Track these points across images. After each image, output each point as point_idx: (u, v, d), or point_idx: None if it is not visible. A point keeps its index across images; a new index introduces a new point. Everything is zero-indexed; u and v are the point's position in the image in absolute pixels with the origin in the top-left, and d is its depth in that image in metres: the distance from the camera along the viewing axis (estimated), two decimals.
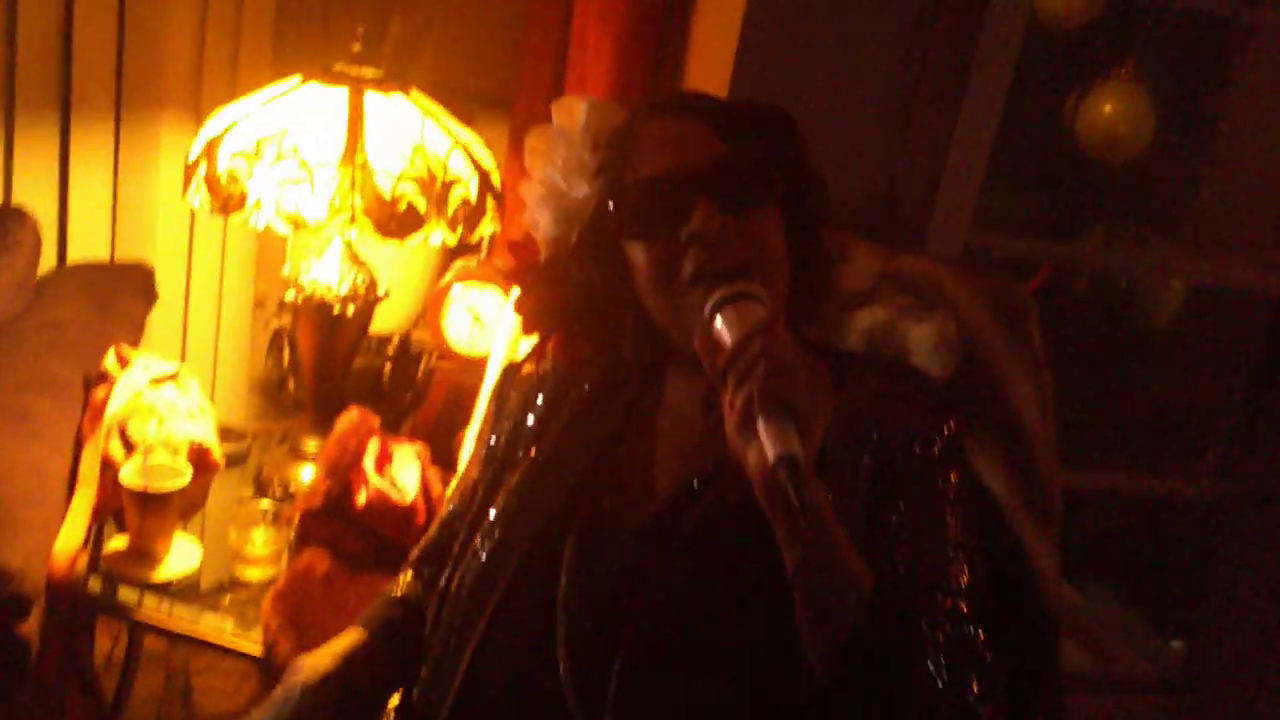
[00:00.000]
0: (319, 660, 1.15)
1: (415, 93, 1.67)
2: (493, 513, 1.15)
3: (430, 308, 1.86)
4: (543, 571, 1.07)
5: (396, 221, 1.54)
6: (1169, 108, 2.65)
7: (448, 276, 1.86)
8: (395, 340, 2.18)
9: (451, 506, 1.29)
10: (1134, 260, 2.43)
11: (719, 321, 0.93)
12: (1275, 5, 2.56)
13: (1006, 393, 1.37)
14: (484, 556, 1.12)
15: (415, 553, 1.30)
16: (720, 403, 0.89)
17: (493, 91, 2.14)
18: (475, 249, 1.82)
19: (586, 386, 1.18)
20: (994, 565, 1.22)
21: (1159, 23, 2.60)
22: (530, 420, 1.20)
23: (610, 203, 1.07)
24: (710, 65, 1.65)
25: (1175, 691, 2.23)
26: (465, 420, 1.93)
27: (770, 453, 0.83)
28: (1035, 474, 1.37)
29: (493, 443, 1.23)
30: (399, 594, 1.26)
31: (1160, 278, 2.51)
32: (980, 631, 0.99)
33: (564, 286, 1.15)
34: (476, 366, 1.84)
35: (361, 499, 1.61)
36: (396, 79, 1.66)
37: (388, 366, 2.18)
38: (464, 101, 1.90)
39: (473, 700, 1.07)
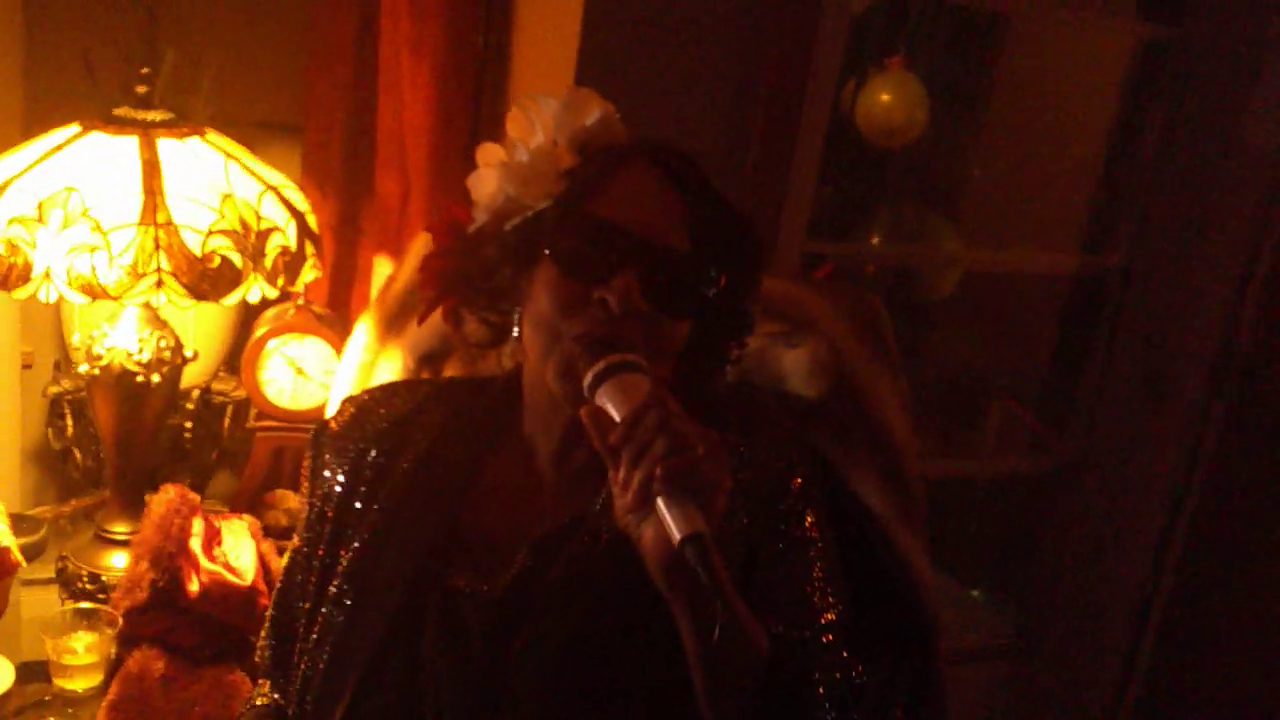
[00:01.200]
0: None
1: (211, 134, 1.52)
2: (334, 588, 1.07)
3: (245, 363, 1.71)
4: (403, 654, 1.01)
5: (210, 281, 1.39)
6: (942, 96, 2.79)
7: (261, 329, 1.71)
8: (195, 395, 1.99)
9: (280, 589, 1.20)
10: (914, 250, 2.53)
11: (603, 395, 0.88)
12: None
13: (874, 406, 1.39)
14: (331, 642, 1.05)
15: (264, 655, 1.20)
16: (611, 480, 0.86)
17: (281, 117, 1.99)
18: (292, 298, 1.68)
19: (421, 442, 1.11)
20: (877, 578, 1.26)
21: (928, 14, 2.72)
22: (357, 487, 1.11)
23: (556, 218, 1.01)
24: (545, 83, 1.59)
25: (1010, 658, 2.34)
26: (295, 482, 1.80)
27: (675, 534, 0.80)
28: (906, 482, 1.40)
29: (316, 511, 1.14)
30: (262, 703, 1.17)
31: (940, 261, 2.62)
32: (854, 660, 1.02)
33: (475, 260, 1.08)
34: (304, 422, 1.72)
35: (194, 587, 1.47)
36: (188, 120, 1.50)
37: (189, 425, 2.00)
38: (250, 129, 1.76)
39: None
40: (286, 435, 1.73)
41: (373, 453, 1.12)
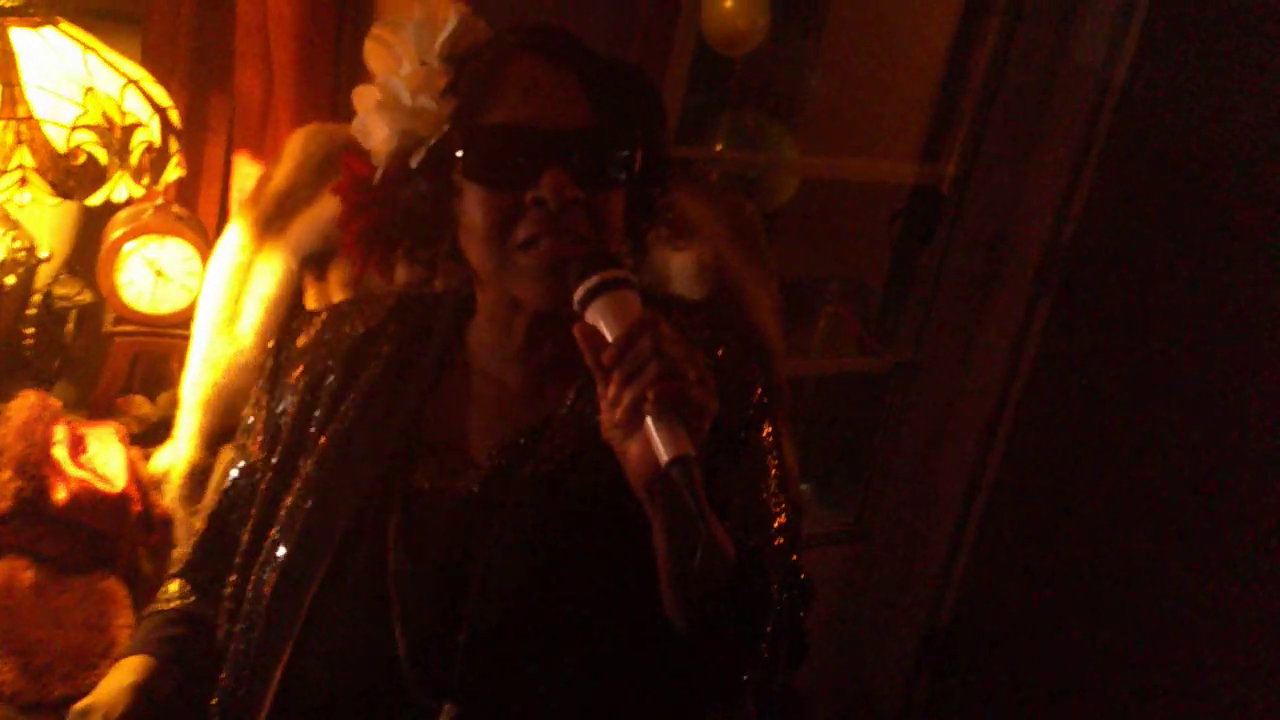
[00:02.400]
0: (110, 700, 1.03)
1: (65, 24, 1.43)
2: (289, 501, 1.07)
3: (101, 266, 1.63)
4: (366, 555, 1.02)
5: (75, 178, 1.33)
6: (782, 3, 2.84)
7: (117, 230, 1.63)
8: (36, 300, 1.89)
9: (222, 499, 1.19)
10: (758, 158, 2.60)
11: (594, 311, 0.90)
12: None
13: (748, 306, 1.45)
14: (284, 551, 1.05)
15: (185, 555, 1.19)
16: (600, 395, 0.88)
17: (118, 6, 1.87)
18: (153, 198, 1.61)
19: (386, 351, 1.12)
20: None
21: None
22: (320, 397, 1.12)
23: (459, 140, 0.99)
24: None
25: (848, 542, 2.50)
26: (155, 389, 1.75)
27: (663, 455, 0.83)
28: (776, 378, 1.47)
29: (274, 420, 1.14)
30: (171, 606, 1.16)
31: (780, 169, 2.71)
32: (800, 562, 1.11)
33: (390, 207, 1.06)
34: (164, 327, 1.67)
35: (61, 494, 1.42)
36: (41, 7, 1.41)
37: (29, 331, 1.90)
38: (86, 18, 1.66)
39: (295, 696, 1.01)
40: (146, 340, 1.67)
41: (336, 367, 1.12)
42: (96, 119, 1.34)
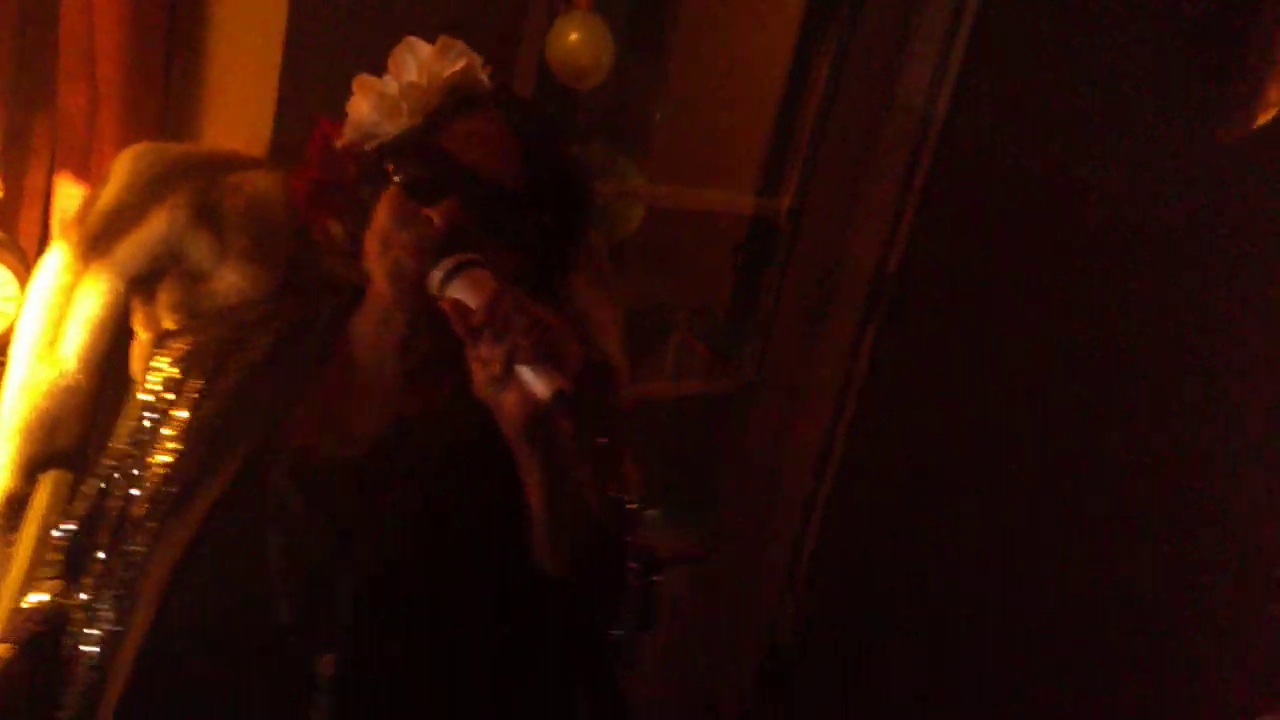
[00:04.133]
0: None
1: None
2: (160, 465, 1.10)
3: None
4: (243, 511, 1.06)
5: None
6: (626, 38, 2.89)
7: None
8: None
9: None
10: (602, 187, 2.61)
11: (455, 288, 0.98)
12: None
13: (596, 332, 1.48)
14: (152, 509, 1.08)
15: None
16: (467, 357, 0.95)
17: None
18: None
19: (265, 340, 1.17)
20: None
21: None
22: (191, 389, 1.15)
23: (408, 143, 1.12)
24: (250, 9, 1.53)
25: (691, 563, 2.53)
26: None
27: (543, 393, 0.90)
28: (619, 404, 1.50)
29: (150, 400, 1.16)
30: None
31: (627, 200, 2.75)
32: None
33: (338, 174, 1.18)
34: None
35: None
36: None
37: None
38: None
39: (161, 662, 1.02)
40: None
41: (214, 348, 1.18)
42: None
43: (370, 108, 1.17)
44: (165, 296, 1.36)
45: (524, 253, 1.11)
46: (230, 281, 1.33)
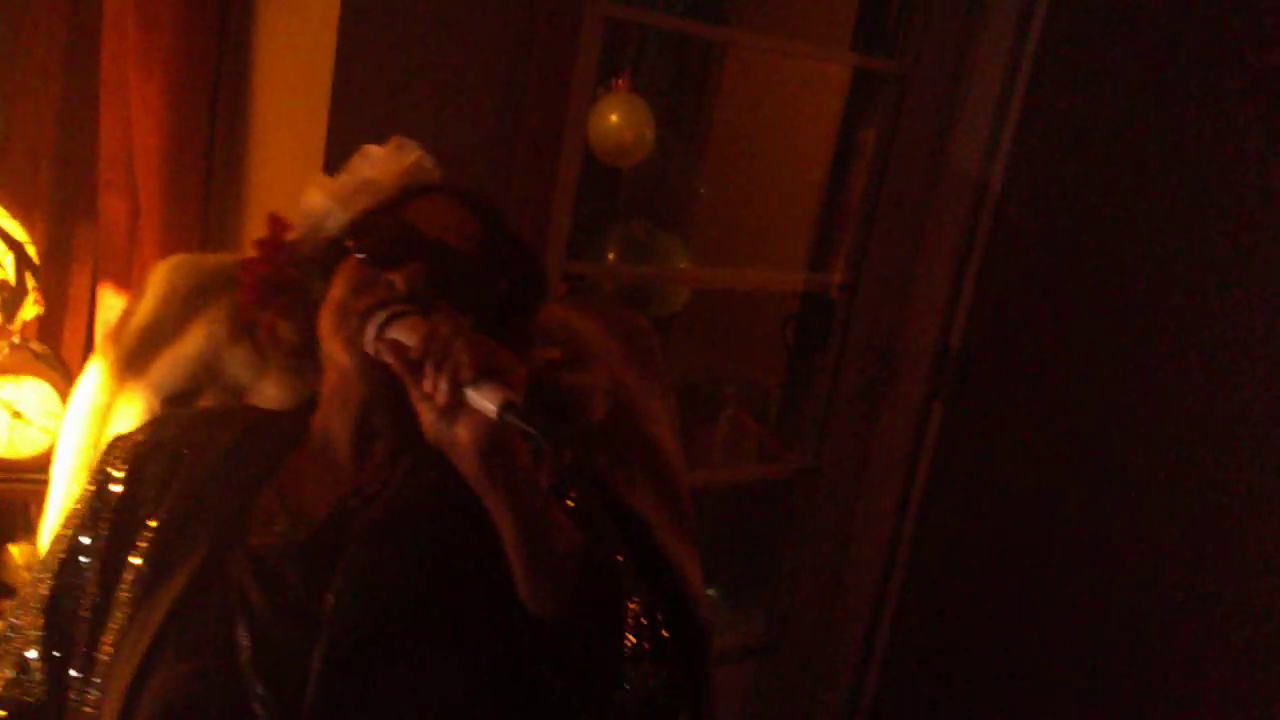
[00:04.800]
0: None
1: None
2: (126, 573, 1.07)
3: None
4: (208, 610, 1.03)
5: None
6: (667, 116, 2.88)
7: None
8: None
9: (59, 567, 1.12)
10: (651, 269, 2.64)
11: (393, 333, 0.97)
12: (744, 22, 2.87)
13: (646, 424, 1.42)
14: (124, 615, 1.05)
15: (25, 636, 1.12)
16: (413, 402, 0.92)
17: None
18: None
19: (231, 435, 1.15)
20: (657, 594, 1.29)
21: (649, 36, 2.81)
22: (153, 478, 1.13)
23: (361, 219, 1.12)
24: (291, 123, 1.51)
25: (758, 654, 2.44)
26: (16, 537, 1.63)
27: (491, 407, 0.87)
28: (678, 497, 1.44)
29: (98, 501, 1.12)
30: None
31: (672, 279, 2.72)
32: (656, 604, 1.08)
33: (293, 271, 1.18)
34: (23, 471, 1.56)
35: None
36: None
37: None
38: None
39: None
40: (4, 486, 1.56)
41: (168, 449, 1.14)
42: None
43: (324, 198, 1.19)
44: None
45: (479, 319, 1.09)
46: (269, 395, 1.29)
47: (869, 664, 2.43)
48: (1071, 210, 2.12)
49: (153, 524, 1.08)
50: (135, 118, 1.54)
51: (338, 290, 1.06)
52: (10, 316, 1.35)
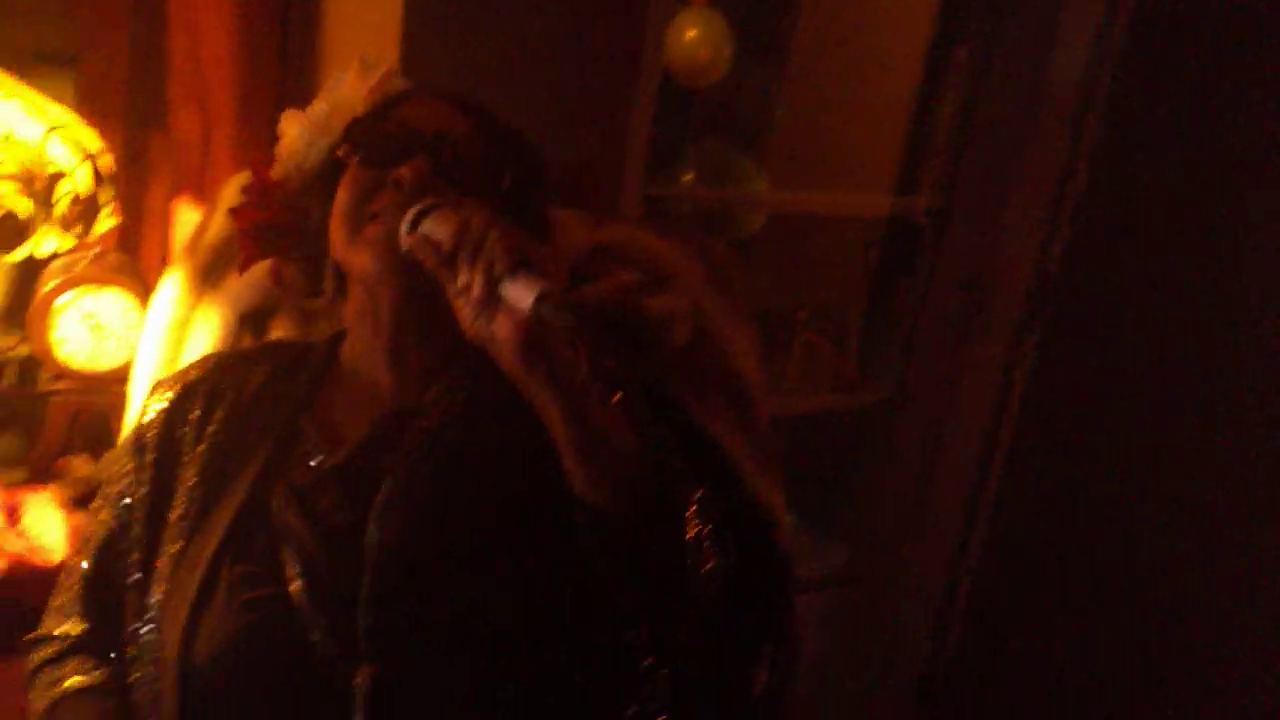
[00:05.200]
0: None
1: None
2: (173, 517, 1.07)
3: (33, 320, 1.53)
4: (255, 543, 1.02)
5: None
6: (746, 33, 2.79)
7: (50, 282, 1.53)
8: None
9: (99, 557, 1.12)
10: (729, 193, 2.54)
11: (424, 229, 0.92)
12: None
13: (729, 355, 1.39)
14: (174, 560, 1.05)
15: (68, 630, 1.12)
16: (450, 300, 0.90)
17: (49, 46, 1.78)
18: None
19: (257, 378, 1.13)
20: (734, 517, 1.26)
21: None
22: (192, 420, 1.11)
23: (350, 131, 1.08)
24: (364, 30, 1.47)
25: (837, 587, 2.42)
26: (98, 448, 1.65)
27: (527, 301, 0.85)
28: (759, 428, 1.41)
29: (137, 453, 1.12)
30: (79, 681, 1.10)
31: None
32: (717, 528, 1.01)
33: (286, 210, 1.17)
34: (104, 383, 1.56)
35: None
36: None
37: None
38: (17, 59, 1.57)
39: (199, 692, 1.00)
40: (85, 398, 1.57)
41: (202, 388, 1.12)
42: (16, 169, 1.25)
43: (301, 128, 1.18)
44: (278, 331, 1.31)
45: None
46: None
47: (953, 599, 2.40)
48: (1181, 137, 2.01)
49: (193, 470, 1.08)
50: (205, 31, 1.50)
51: (343, 198, 1.04)
52: (87, 228, 1.34)
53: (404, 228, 0.93)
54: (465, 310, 0.89)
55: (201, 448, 1.09)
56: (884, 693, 2.50)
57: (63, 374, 1.57)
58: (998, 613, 2.39)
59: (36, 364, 1.69)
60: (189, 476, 1.08)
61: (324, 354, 1.15)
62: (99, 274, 1.54)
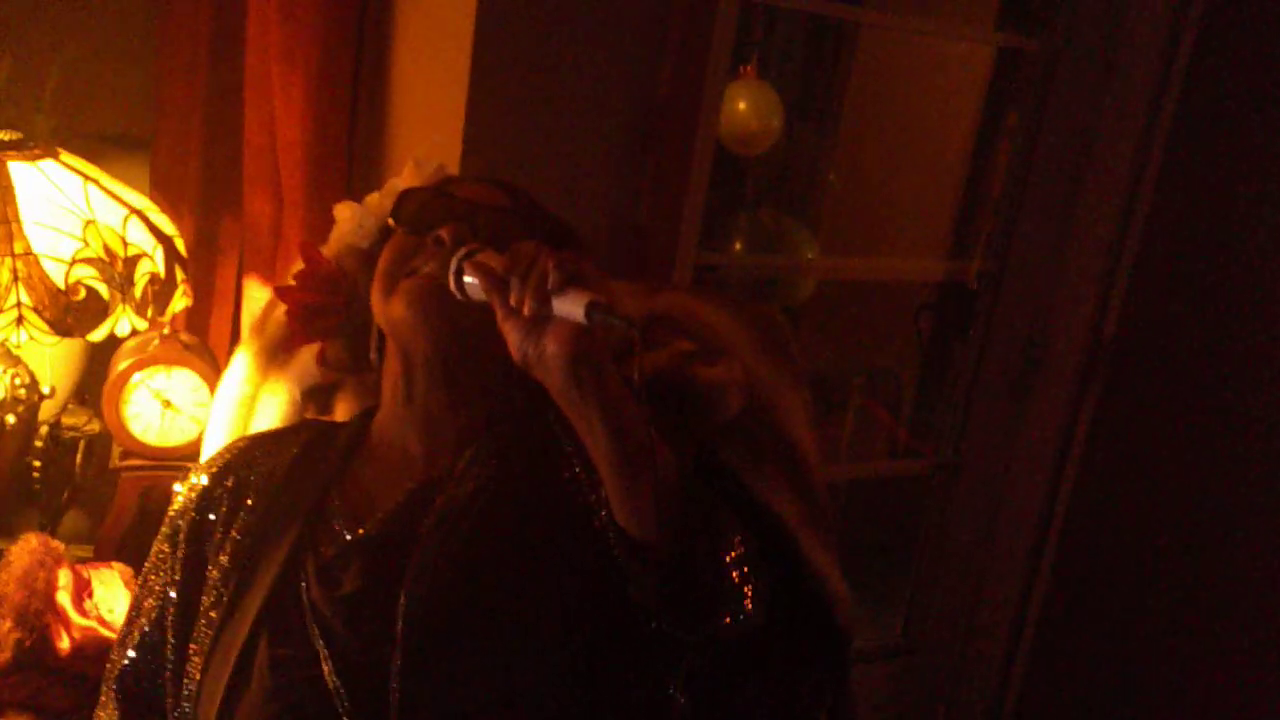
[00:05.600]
0: None
1: (65, 154, 1.40)
2: (206, 603, 1.08)
3: (107, 399, 1.58)
4: (287, 622, 1.02)
5: (75, 315, 1.28)
6: (797, 100, 2.82)
7: (124, 361, 1.58)
8: (44, 431, 1.84)
9: (146, 623, 1.13)
10: (780, 260, 2.57)
11: (471, 266, 0.94)
12: (879, 4, 2.79)
13: (783, 421, 1.38)
14: (211, 642, 1.05)
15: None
16: (500, 324, 0.90)
17: (125, 130, 1.85)
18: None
19: (294, 452, 1.15)
20: (791, 591, 1.25)
21: (777, 20, 2.75)
22: (223, 504, 1.13)
23: (396, 201, 1.12)
24: (429, 116, 1.52)
25: (894, 657, 2.38)
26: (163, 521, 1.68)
27: (579, 310, 0.85)
28: (814, 494, 1.39)
29: (170, 546, 1.13)
30: None
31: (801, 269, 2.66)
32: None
33: (332, 292, 1.21)
34: (174, 460, 1.61)
35: (65, 645, 1.36)
36: (43, 139, 1.38)
37: (37, 463, 1.84)
38: (93, 143, 1.64)
39: None
40: (155, 474, 1.61)
41: (232, 472, 1.14)
42: (97, 252, 1.30)
43: (352, 210, 1.23)
44: (342, 407, 1.33)
45: None
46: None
47: (1010, 671, 2.35)
48: (1233, 196, 2.00)
49: (225, 555, 1.09)
50: (278, 112, 1.56)
51: (383, 262, 1.08)
52: (161, 308, 1.39)
53: (452, 267, 0.96)
54: (515, 335, 0.90)
55: (234, 531, 1.10)
56: None
57: (133, 451, 1.61)
58: (1058, 679, 2.33)
59: (105, 441, 1.73)
60: (222, 561, 1.08)
61: (355, 428, 1.17)
62: (171, 354, 1.59)
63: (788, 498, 1.36)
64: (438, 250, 1.02)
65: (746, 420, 1.35)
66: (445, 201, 1.09)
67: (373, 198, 1.27)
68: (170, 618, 1.10)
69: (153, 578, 1.14)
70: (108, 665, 1.16)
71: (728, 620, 0.94)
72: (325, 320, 1.24)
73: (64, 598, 1.38)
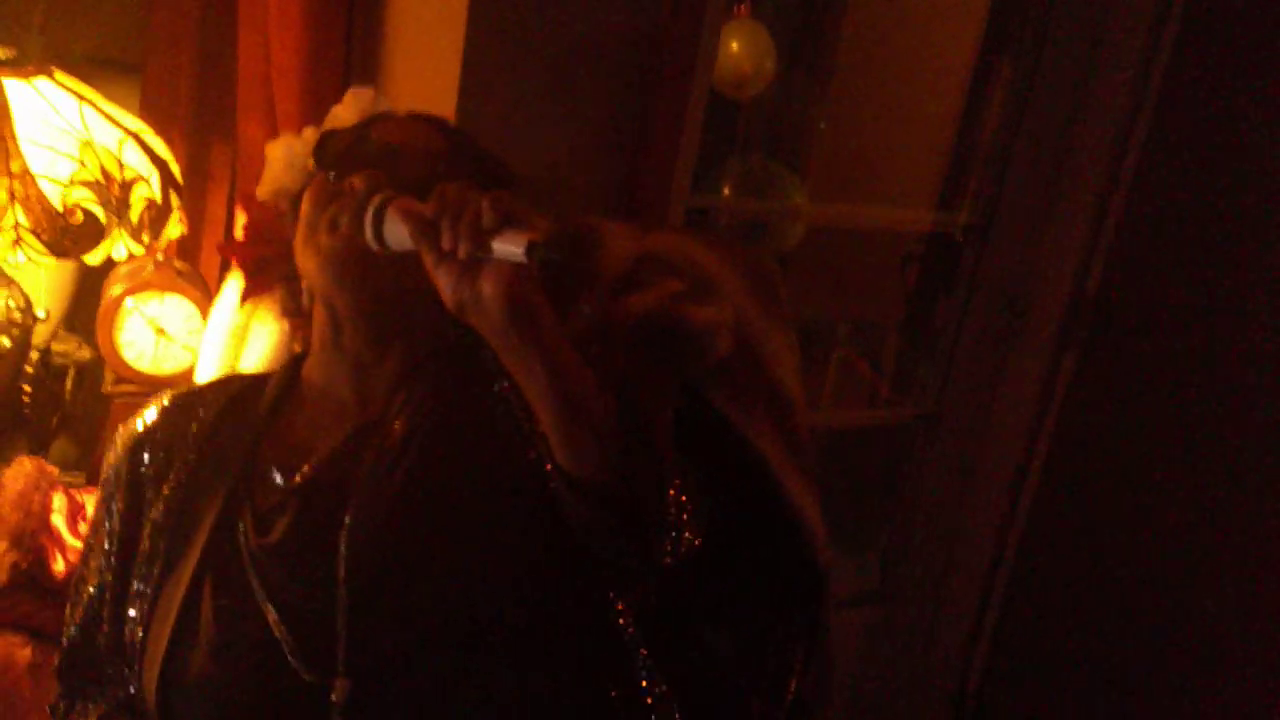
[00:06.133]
0: None
1: (60, 74, 1.39)
2: (143, 549, 1.07)
3: (100, 325, 1.58)
4: (228, 569, 1.02)
5: (71, 237, 1.28)
6: (789, 46, 2.81)
7: (117, 287, 1.58)
8: (34, 357, 1.85)
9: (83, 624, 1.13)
10: (769, 206, 2.56)
11: (391, 214, 0.90)
12: None
13: (770, 364, 1.40)
14: (147, 590, 1.05)
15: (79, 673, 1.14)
16: (430, 269, 0.87)
17: (116, 53, 1.84)
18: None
19: (219, 405, 1.12)
20: (766, 527, 1.27)
21: None
22: (153, 463, 1.11)
23: (317, 143, 1.08)
24: (426, 46, 1.51)
25: (871, 603, 2.43)
26: None
27: (518, 250, 0.82)
28: (798, 437, 1.42)
29: (115, 510, 1.11)
30: None
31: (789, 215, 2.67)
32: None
33: (279, 241, 1.20)
34: (167, 387, 1.61)
35: (60, 566, 1.38)
36: (35, 57, 1.37)
37: (27, 389, 1.85)
38: (83, 66, 1.62)
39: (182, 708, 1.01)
40: (147, 400, 1.62)
41: (159, 431, 1.12)
42: (94, 174, 1.30)
43: (282, 154, 1.21)
44: None
45: None
46: None
47: (984, 618, 2.40)
48: (1226, 150, 2.01)
49: (155, 514, 1.08)
50: (273, 38, 1.55)
51: (304, 209, 1.03)
52: (156, 234, 1.39)
53: (368, 218, 0.91)
54: (447, 279, 0.87)
55: (164, 488, 1.08)
56: (917, 708, 2.51)
57: (126, 377, 1.62)
58: (1032, 628, 2.38)
59: (96, 368, 1.74)
60: (154, 518, 1.07)
61: (284, 377, 1.14)
62: (165, 280, 1.59)
63: (771, 438, 1.38)
64: (351, 199, 0.97)
65: (734, 361, 1.36)
66: (367, 145, 1.05)
67: (307, 134, 1.23)
68: (108, 577, 1.09)
69: (93, 538, 1.13)
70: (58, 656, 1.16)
71: (668, 547, 0.94)
72: (275, 268, 1.24)
73: (58, 520, 1.40)
